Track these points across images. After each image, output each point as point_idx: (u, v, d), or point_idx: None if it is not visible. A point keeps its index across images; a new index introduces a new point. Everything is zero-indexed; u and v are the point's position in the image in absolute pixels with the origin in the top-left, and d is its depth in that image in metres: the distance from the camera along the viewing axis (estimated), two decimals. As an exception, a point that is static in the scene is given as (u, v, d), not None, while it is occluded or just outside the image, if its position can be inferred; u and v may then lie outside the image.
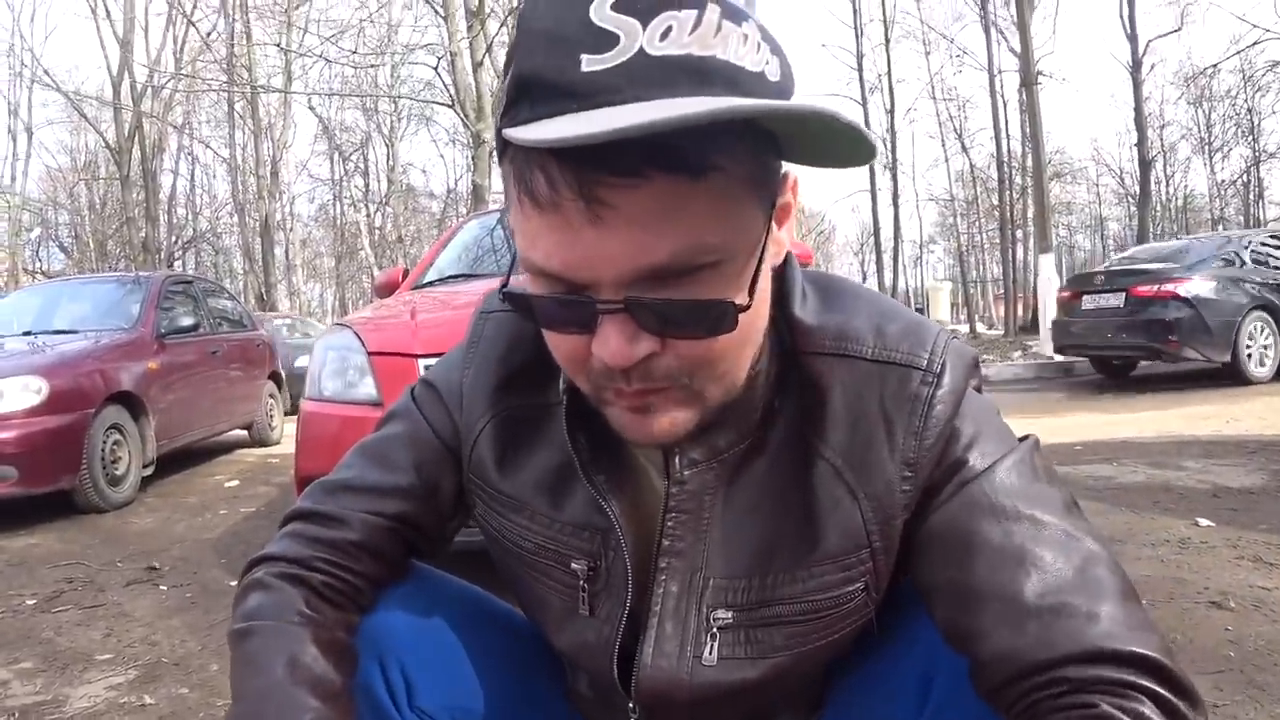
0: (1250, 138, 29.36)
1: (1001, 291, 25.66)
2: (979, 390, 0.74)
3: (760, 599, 0.72)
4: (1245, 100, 28.36)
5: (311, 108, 25.44)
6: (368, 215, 28.81)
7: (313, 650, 0.74)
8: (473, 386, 0.81)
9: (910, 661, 0.74)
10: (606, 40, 0.51)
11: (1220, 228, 28.80)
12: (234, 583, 3.23)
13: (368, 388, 2.67)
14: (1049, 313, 10.89)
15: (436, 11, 11.55)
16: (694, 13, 0.52)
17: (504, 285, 0.65)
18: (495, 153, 0.57)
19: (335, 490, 0.83)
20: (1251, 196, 31.55)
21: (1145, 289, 7.88)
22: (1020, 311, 21.73)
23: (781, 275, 0.72)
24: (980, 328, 23.52)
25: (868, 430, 0.68)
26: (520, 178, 0.55)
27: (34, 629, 2.80)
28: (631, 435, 0.65)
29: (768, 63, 0.56)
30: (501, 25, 10.54)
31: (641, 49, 0.51)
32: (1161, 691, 0.58)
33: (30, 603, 3.11)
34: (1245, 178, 31.02)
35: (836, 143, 0.55)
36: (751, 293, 0.59)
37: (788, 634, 0.73)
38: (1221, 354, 7.60)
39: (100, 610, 2.98)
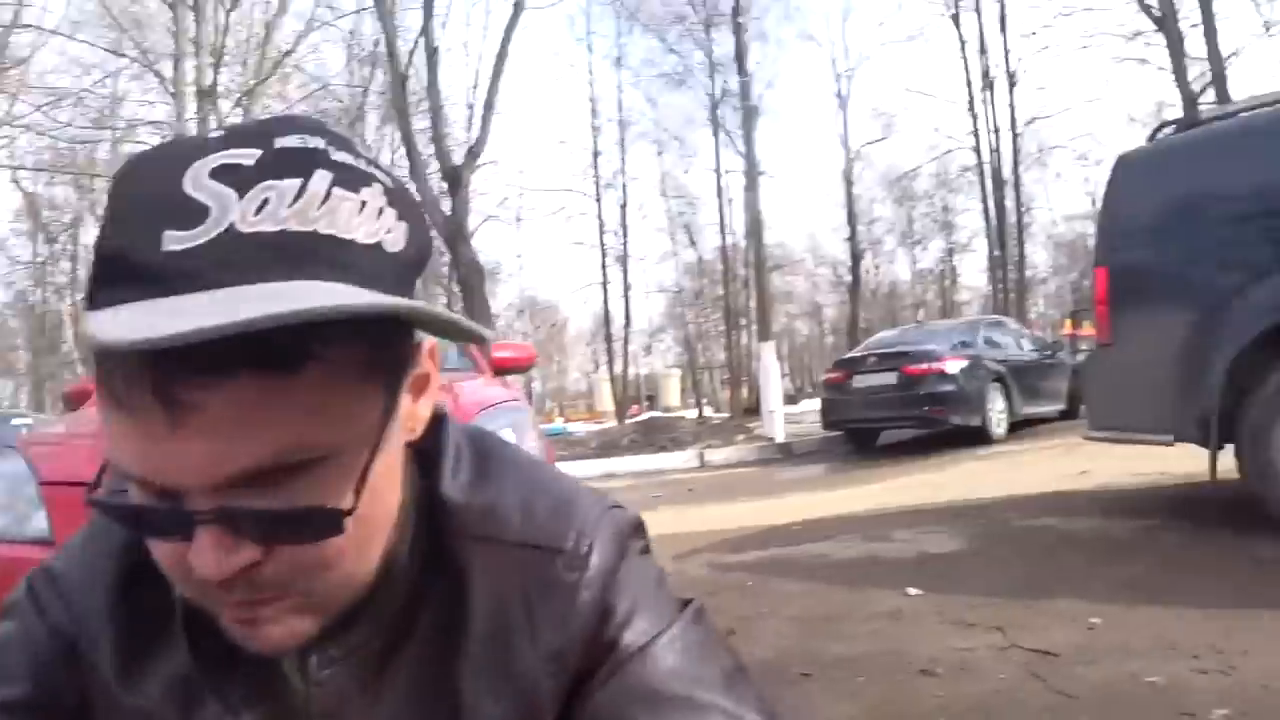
0: (946, 232, 33.73)
1: (728, 376, 27.25)
2: (647, 551, 0.70)
3: None
4: (941, 199, 32.58)
5: (15, 181, 22.70)
6: (73, 304, 25.82)
7: None
8: (91, 580, 0.69)
9: None
10: (196, 214, 0.47)
11: (921, 311, 32.63)
12: None
13: (39, 522, 2.26)
14: (771, 397, 11.66)
15: (166, 88, 10.75)
16: (297, 182, 0.48)
17: (92, 488, 0.55)
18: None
19: None
20: (947, 283, 36.20)
21: (916, 368, 9.18)
22: (745, 394, 23.12)
23: (434, 443, 0.67)
24: (708, 411, 24.82)
25: (511, 623, 0.64)
26: (99, 374, 0.49)
27: None
28: (249, 647, 0.58)
29: (389, 230, 0.51)
30: (235, 105, 9.99)
31: (232, 225, 0.47)
32: None
33: None
34: (942, 266, 35.55)
35: (444, 331, 0.53)
36: (359, 493, 0.53)
37: None
38: (975, 419, 9.03)
39: None
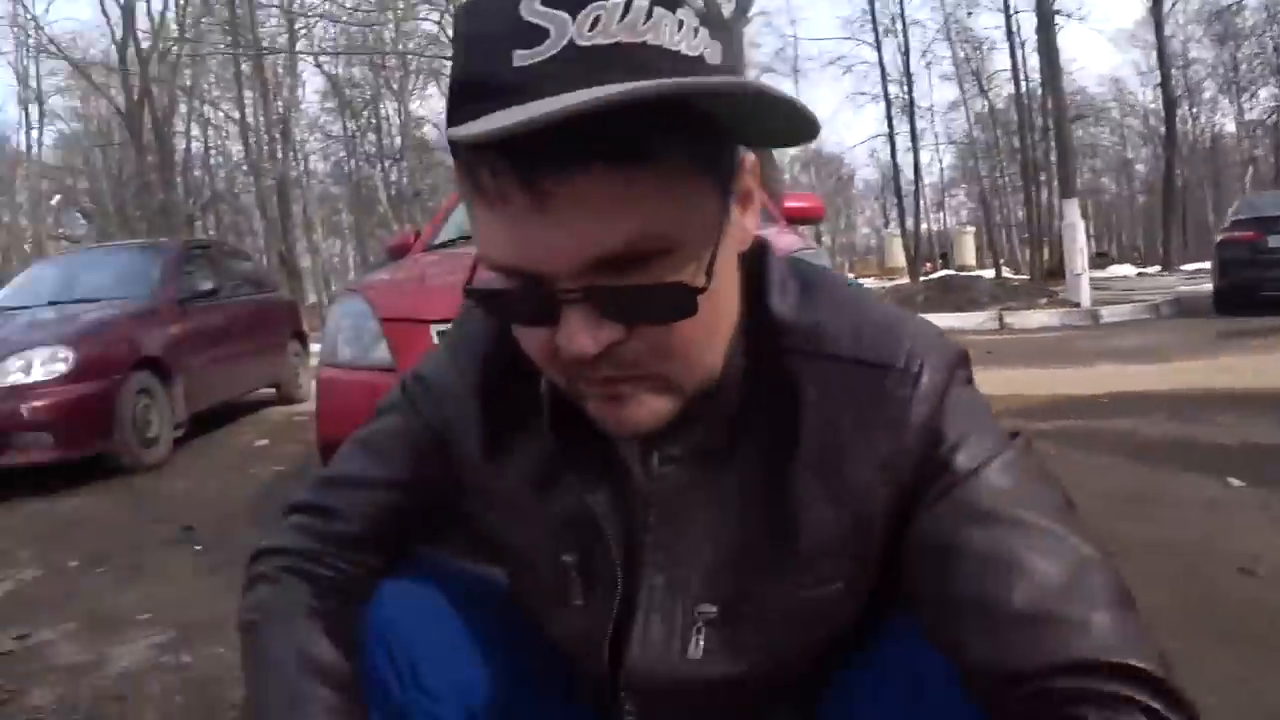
0: (1279, 76, 28.57)
1: (1027, 235, 25.29)
2: (969, 383, 0.72)
3: (743, 593, 0.72)
4: (1272, 37, 27.54)
5: (319, 65, 25.24)
6: (382, 170, 28.70)
7: (319, 641, 0.77)
8: (460, 381, 0.81)
9: (899, 661, 0.73)
10: (536, 35, 0.52)
11: (1252, 170, 28.19)
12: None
13: (382, 353, 2.67)
14: (1076, 259, 10.76)
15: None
16: (622, 1, 0.52)
17: (468, 283, 0.65)
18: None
19: (333, 484, 0.85)
20: (1282, 136, 30.80)
21: None
22: (1047, 255, 21.43)
23: (758, 268, 0.71)
24: (1006, 272, 23.20)
25: (844, 433, 0.67)
26: (468, 176, 0.56)
27: (77, 590, 2.89)
28: (610, 426, 0.65)
29: (707, 46, 0.55)
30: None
31: (571, 40, 0.52)
32: (1155, 706, 0.56)
33: (73, 564, 3.19)
34: (1275, 117, 30.30)
35: (777, 120, 0.55)
36: (709, 275, 0.58)
37: (770, 632, 0.73)
38: None
39: (139, 571, 3.06)
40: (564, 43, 0.52)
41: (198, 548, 3.31)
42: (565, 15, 0.52)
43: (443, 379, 0.83)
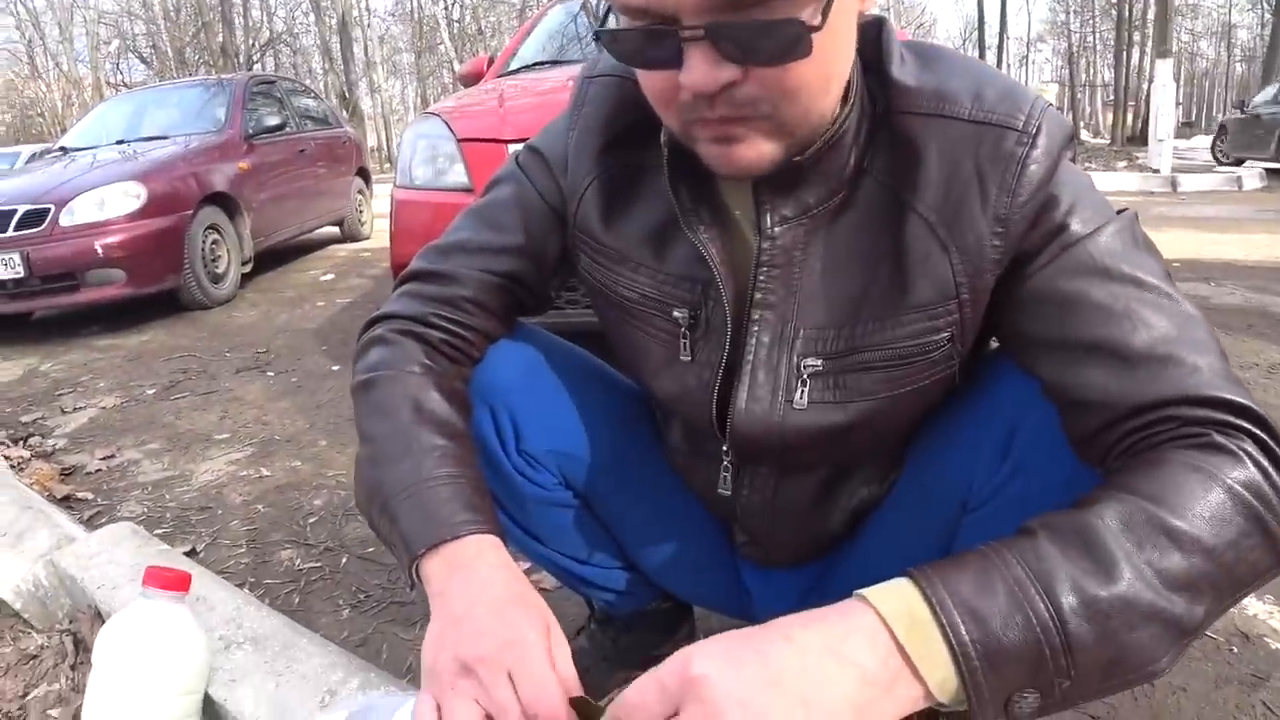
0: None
1: (1111, 99, 23.94)
2: (1074, 162, 0.74)
3: (849, 347, 0.75)
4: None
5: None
6: (446, 8, 27.93)
7: (434, 395, 0.81)
8: (578, 147, 0.84)
9: (992, 417, 0.77)
10: None
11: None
12: (335, 367, 3.42)
13: (458, 174, 2.68)
14: (1162, 123, 10.22)
15: None
16: None
17: (599, 29, 0.67)
18: None
19: (448, 250, 0.89)
20: None
21: None
22: (1130, 120, 20.35)
23: (878, 37, 0.73)
24: (1085, 135, 22.12)
25: (961, 186, 0.70)
26: None
27: (156, 415, 3.04)
28: (720, 167, 0.68)
29: None
30: None
31: None
32: (1264, 437, 0.61)
33: (150, 392, 3.34)
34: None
35: None
36: (825, 15, 0.60)
37: (875, 380, 0.76)
38: None
39: (214, 396, 3.20)
40: None
41: (270, 373, 3.45)
42: None
43: (557, 149, 0.86)
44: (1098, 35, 29.09)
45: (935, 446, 0.84)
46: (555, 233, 0.88)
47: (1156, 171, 10.15)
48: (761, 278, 0.76)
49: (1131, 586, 0.54)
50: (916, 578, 0.55)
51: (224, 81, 6.53)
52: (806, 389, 0.77)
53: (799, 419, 0.78)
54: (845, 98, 0.70)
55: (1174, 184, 9.73)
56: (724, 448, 0.85)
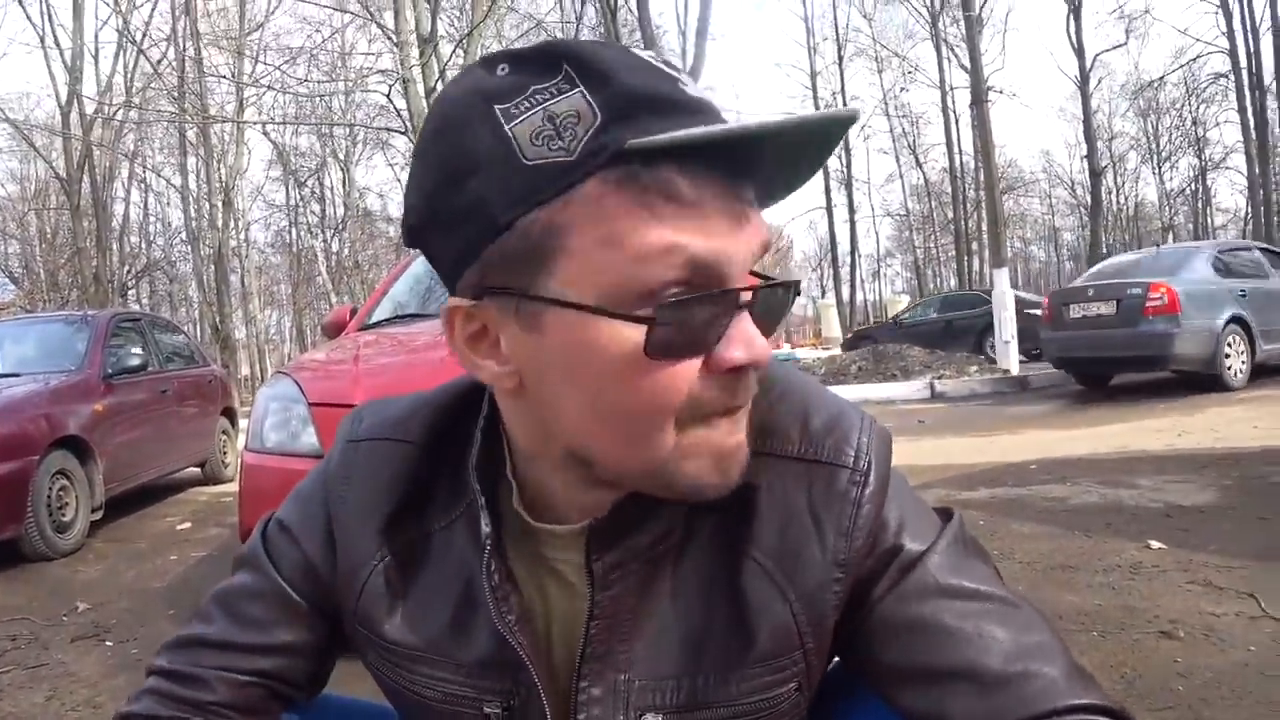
0: (1196, 148, 30.22)
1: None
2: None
3: (690, 702, 0.68)
4: (1190, 111, 29.16)
5: (265, 133, 25.24)
6: (324, 241, 28.57)
7: None
8: (354, 526, 0.74)
9: None
10: (675, 74, 0.57)
11: (1170, 236, 29.53)
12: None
13: (309, 438, 2.63)
14: (1006, 326, 11.05)
15: (389, 38, 11.48)
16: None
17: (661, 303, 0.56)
18: (565, 172, 0.54)
19: (192, 647, 0.78)
20: (1199, 205, 32.44)
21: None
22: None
23: None
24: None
25: (797, 530, 0.67)
26: (651, 184, 0.53)
27: (-26, 693, 2.71)
28: (720, 474, 0.62)
29: None
30: (454, 51, 10.49)
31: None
32: None
33: (-29, 664, 3.00)
34: (1193, 186, 31.91)
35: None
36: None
37: None
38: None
39: (44, 670, 2.90)
40: (700, 83, 0.56)
41: (109, 643, 3.16)
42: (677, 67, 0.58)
43: (315, 526, 0.77)
44: (940, 248, 31.91)
45: None
46: (310, 623, 0.77)
47: (1006, 372, 10.87)
48: (594, 631, 0.69)
49: None
50: None
51: (87, 317, 6.38)
52: None
53: None
54: None
55: (1024, 384, 10.42)
56: None
